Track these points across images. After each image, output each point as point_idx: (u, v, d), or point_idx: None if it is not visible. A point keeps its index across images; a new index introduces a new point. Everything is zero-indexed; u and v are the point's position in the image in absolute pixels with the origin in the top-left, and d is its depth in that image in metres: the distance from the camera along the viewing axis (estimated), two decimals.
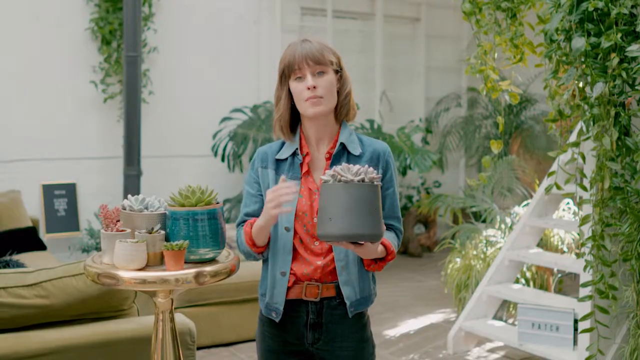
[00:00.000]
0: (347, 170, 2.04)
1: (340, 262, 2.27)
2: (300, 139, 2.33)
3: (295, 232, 2.27)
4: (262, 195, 2.32)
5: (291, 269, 2.28)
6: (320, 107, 2.24)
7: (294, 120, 2.35)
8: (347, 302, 2.29)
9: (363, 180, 2.01)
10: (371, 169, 2.06)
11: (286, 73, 2.28)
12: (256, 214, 2.31)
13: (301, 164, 2.31)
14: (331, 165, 2.28)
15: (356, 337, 2.34)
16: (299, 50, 2.25)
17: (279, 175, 2.29)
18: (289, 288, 2.28)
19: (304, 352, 2.35)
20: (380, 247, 2.21)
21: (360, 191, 1.99)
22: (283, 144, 2.35)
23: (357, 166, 2.06)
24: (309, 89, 2.23)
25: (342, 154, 2.30)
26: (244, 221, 2.34)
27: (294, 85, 2.26)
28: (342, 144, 2.30)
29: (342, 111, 2.32)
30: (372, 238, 2.03)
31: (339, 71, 2.31)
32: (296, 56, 2.24)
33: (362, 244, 2.09)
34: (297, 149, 2.31)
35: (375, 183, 2.04)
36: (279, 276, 2.28)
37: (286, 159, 2.32)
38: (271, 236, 2.28)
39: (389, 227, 2.35)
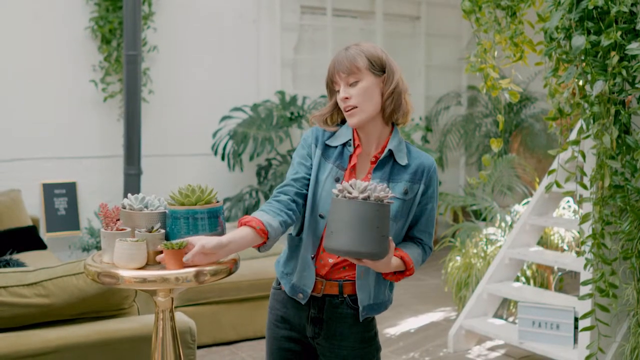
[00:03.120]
0: (354, 187, 2.04)
1: (361, 267, 2.26)
2: (353, 132, 2.32)
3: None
4: (311, 167, 2.31)
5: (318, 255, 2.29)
6: (356, 117, 2.25)
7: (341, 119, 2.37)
8: (360, 307, 2.30)
9: (368, 198, 2.00)
10: (383, 186, 2.05)
11: (330, 84, 2.31)
12: (302, 180, 2.29)
13: (350, 156, 2.30)
14: (375, 170, 2.27)
15: (357, 337, 2.34)
16: (335, 60, 2.28)
17: (325, 160, 2.30)
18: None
19: (306, 343, 2.38)
20: (397, 262, 2.20)
21: (361, 209, 1.99)
22: (323, 132, 2.35)
23: (366, 183, 2.04)
24: (342, 100, 2.25)
25: (388, 160, 2.29)
26: (286, 184, 2.29)
27: (337, 96, 2.29)
28: (390, 150, 2.28)
29: (387, 112, 2.28)
30: (370, 256, 2.03)
31: (380, 73, 2.28)
32: (330, 69, 2.28)
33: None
34: (350, 139, 2.30)
35: (385, 202, 2.02)
36: (310, 260, 2.29)
37: (336, 147, 2.31)
38: (307, 221, 2.28)
39: (418, 241, 2.36)
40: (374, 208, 1.99)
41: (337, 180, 2.26)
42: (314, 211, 2.28)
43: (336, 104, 2.32)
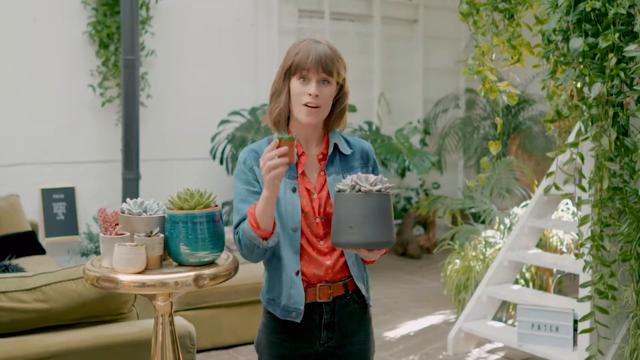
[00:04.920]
0: (364, 180, 2.09)
1: (351, 259, 2.30)
2: None
3: (302, 232, 2.26)
4: (261, 190, 2.26)
5: (302, 272, 2.27)
6: (314, 117, 2.24)
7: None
8: (366, 296, 2.37)
9: (380, 190, 2.08)
10: (385, 178, 2.12)
11: (292, 70, 2.25)
12: None
13: (297, 164, 2.29)
14: (327, 166, 2.30)
15: (364, 331, 2.39)
16: (313, 52, 2.22)
17: None
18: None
19: (314, 354, 2.35)
20: None
21: (378, 201, 2.07)
22: (269, 142, 2.30)
23: (373, 176, 2.11)
24: (310, 95, 2.22)
25: (335, 154, 2.33)
26: (244, 220, 2.25)
27: (296, 84, 2.24)
28: (335, 144, 2.33)
29: (334, 122, 2.34)
30: (389, 244, 2.11)
31: (341, 84, 2.31)
32: (310, 58, 2.21)
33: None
34: None
35: (389, 192, 2.10)
36: (294, 276, 2.26)
37: None
38: (280, 238, 2.25)
39: None
40: (386, 199, 2.09)
41: (294, 190, 2.26)
42: (284, 228, 2.25)
43: (288, 95, 2.28)
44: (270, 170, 2.05)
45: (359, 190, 2.07)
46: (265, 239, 2.17)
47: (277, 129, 2.32)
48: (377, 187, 2.07)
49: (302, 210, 2.25)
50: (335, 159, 2.32)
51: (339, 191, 2.10)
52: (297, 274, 2.26)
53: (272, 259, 2.30)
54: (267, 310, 2.37)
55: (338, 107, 2.32)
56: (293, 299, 2.27)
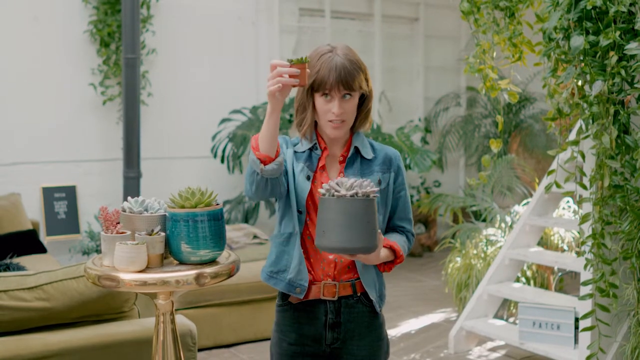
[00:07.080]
0: (341, 185, 2.07)
1: (360, 263, 2.31)
2: (317, 136, 2.36)
3: (312, 221, 2.30)
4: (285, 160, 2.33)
5: (310, 264, 2.31)
6: (339, 131, 2.29)
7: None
8: (374, 301, 2.35)
9: (356, 195, 2.04)
10: (367, 182, 2.09)
11: (314, 87, 2.26)
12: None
13: (319, 158, 2.33)
14: (346, 167, 2.33)
15: (373, 335, 2.38)
16: (333, 70, 2.22)
17: (296, 160, 2.32)
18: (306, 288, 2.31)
19: (320, 354, 2.37)
20: (386, 252, 2.26)
21: (351, 206, 2.03)
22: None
23: (352, 180, 2.09)
24: (334, 113, 2.25)
25: (356, 157, 2.36)
26: None
27: (320, 101, 2.27)
28: (355, 147, 2.35)
29: (358, 125, 2.37)
30: (364, 251, 2.07)
31: (365, 92, 2.32)
32: (331, 79, 2.22)
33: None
34: (315, 143, 2.34)
35: (371, 197, 2.06)
36: (302, 254, 2.31)
37: (304, 151, 2.35)
38: (291, 216, 2.30)
39: (400, 230, 2.41)
40: (362, 204, 2.04)
41: (308, 178, 2.30)
42: (292, 210, 2.30)
43: (315, 107, 2.30)
44: (275, 84, 2.09)
45: (333, 194, 2.06)
46: (265, 163, 2.17)
47: (305, 139, 2.36)
48: (351, 192, 2.04)
49: (316, 203, 2.28)
50: (356, 162, 2.35)
51: (321, 196, 2.10)
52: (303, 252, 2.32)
53: (284, 234, 2.34)
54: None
55: (363, 110, 2.36)
56: (300, 274, 2.30)
